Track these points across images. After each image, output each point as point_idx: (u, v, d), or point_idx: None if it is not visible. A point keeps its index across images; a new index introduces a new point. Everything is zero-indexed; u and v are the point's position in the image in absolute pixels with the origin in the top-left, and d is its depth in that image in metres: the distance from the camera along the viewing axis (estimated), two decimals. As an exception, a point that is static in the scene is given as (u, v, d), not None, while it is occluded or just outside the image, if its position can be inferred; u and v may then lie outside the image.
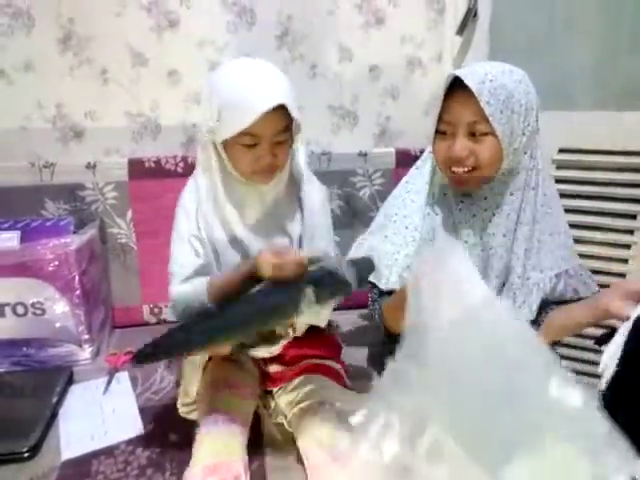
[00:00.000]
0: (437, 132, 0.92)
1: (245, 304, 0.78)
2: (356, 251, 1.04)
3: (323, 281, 0.76)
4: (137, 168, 1.28)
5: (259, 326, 0.84)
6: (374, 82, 1.47)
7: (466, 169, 0.90)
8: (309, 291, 0.76)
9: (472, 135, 0.88)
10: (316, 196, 1.01)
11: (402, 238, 0.99)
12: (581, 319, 0.92)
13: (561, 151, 1.34)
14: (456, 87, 0.87)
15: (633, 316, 0.75)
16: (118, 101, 1.36)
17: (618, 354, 0.75)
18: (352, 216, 1.41)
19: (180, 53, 1.35)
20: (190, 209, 0.96)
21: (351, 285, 0.78)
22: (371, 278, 0.98)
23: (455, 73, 0.87)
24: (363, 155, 1.39)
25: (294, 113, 0.86)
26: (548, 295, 0.96)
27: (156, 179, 1.29)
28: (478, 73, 0.86)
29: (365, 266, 0.85)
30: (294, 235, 1.00)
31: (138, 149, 1.38)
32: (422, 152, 1.36)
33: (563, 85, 1.34)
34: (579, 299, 0.96)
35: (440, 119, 0.91)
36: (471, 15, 1.39)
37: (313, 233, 1.00)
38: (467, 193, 0.96)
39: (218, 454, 0.80)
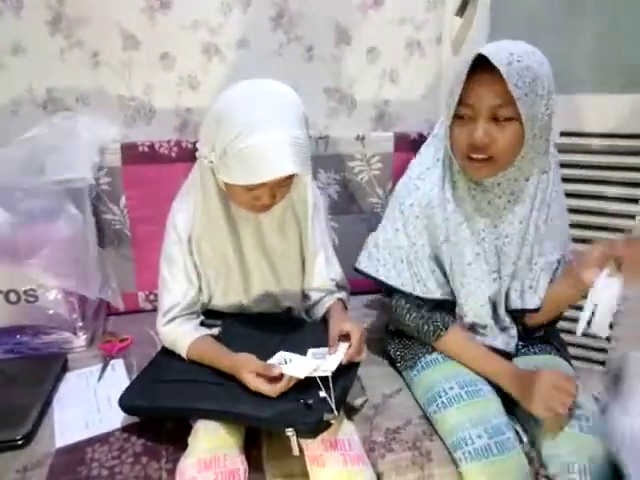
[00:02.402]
0: (455, 116, 0.87)
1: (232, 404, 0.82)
2: (368, 247, 1.02)
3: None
4: (130, 153, 1.26)
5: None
6: (372, 65, 1.44)
7: (484, 156, 0.86)
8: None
9: (494, 120, 0.84)
10: (316, 209, 1.00)
11: (413, 229, 0.96)
12: (569, 297, 0.96)
13: (562, 134, 1.32)
14: (479, 67, 0.81)
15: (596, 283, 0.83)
16: (110, 85, 1.33)
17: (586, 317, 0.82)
18: (350, 201, 1.39)
19: (173, 35, 1.32)
20: (183, 235, 0.95)
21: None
22: (396, 284, 0.98)
23: (481, 52, 0.81)
24: (361, 139, 1.36)
25: (303, 174, 0.83)
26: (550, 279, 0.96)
27: (150, 164, 1.26)
28: (503, 52, 0.81)
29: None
30: (291, 251, 1.00)
31: (131, 133, 1.35)
32: (422, 136, 1.36)
33: (564, 67, 1.31)
34: None
35: (460, 102, 0.84)
36: (471, -5, 1.36)
37: (313, 247, 1.00)
38: (480, 180, 0.93)
39: (214, 447, 0.80)
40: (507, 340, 0.99)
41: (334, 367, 0.83)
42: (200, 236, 0.95)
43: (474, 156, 0.86)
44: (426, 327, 0.97)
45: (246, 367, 0.84)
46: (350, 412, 0.93)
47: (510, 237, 0.95)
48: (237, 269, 0.97)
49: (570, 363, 1.03)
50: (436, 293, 0.97)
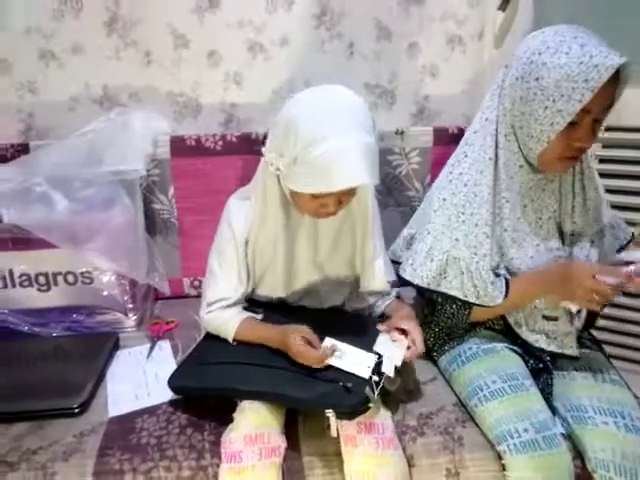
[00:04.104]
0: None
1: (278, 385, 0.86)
2: (425, 259, 0.96)
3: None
4: (178, 146, 1.32)
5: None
6: (413, 60, 1.46)
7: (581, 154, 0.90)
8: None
9: (595, 121, 0.85)
10: (375, 216, 1.02)
11: (474, 238, 0.93)
12: (540, 296, 0.94)
13: (608, 129, 1.30)
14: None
15: None
16: (160, 82, 1.40)
17: None
18: (388, 195, 1.41)
19: (220, 34, 1.37)
20: (239, 237, 0.96)
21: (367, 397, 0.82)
22: (457, 294, 0.95)
23: (622, 62, 0.79)
24: (400, 133, 1.38)
25: (374, 182, 0.82)
26: (599, 247, 0.98)
27: (196, 157, 1.32)
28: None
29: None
30: (343, 257, 1.01)
31: (180, 128, 1.42)
32: (461, 130, 1.37)
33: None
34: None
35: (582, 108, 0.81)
36: (514, -11, 1.35)
37: (372, 253, 1.01)
38: (541, 171, 0.94)
39: (260, 425, 0.84)
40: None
41: (393, 368, 0.87)
42: (256, 241, 0.96)
43: (574, 156, 0.89)
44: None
45: (296, 331, 0.88)
46: (384, 397, 0.95)
47: (565, 216, 0.97)
48: (285, 271, 0.99)
49: (610, 362, 1.02)
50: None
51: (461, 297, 0.94)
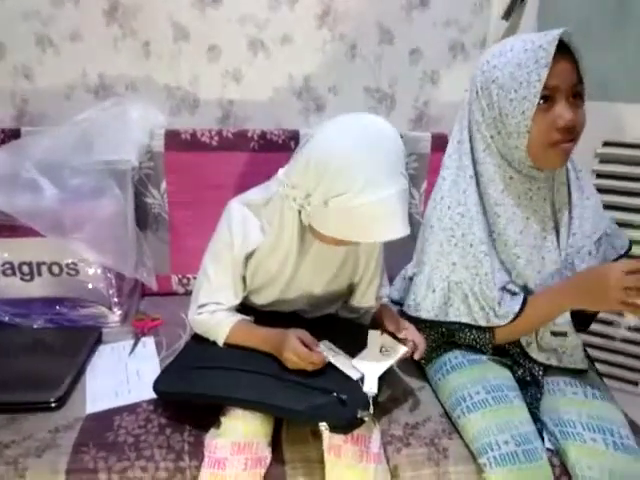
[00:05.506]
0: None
1: (269, 394, 0.83)
2: (426, 291, 0.94)
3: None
4: (173, 139, 1.30)
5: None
6: (414, 65, 1.45)
7: (571, 138, 0.85)
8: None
9: (572, 98, 0.85)
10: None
11: (472, 258, 0.91)
12: (569, 306, 0.89)
13: (605, 144, 1.29)
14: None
15: None
16: (158, 74, 1.39)
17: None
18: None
19: (221, 29, 1.36)
20: (238, 249, 0.91)
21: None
22: (467, 320, 0.92)
23: (561, 34, 0.81)
24: (398, 138, 1.37)
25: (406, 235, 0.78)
26: (597, 258, 0.95)
27: (191, 151, 1.30)
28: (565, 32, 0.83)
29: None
30: (344, 276, 0.99)
31: (176, 122, 1.40)
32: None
33: (613, 75, 1.28)
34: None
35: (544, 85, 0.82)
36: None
37: (372, 273, 0.99)
38: (536, 177, 0.91)
39: (250, 434, 0.82)
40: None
41: (381, 371, 0.85)
42: (264, 260, 0.93)
43: (563, 139, 0.85)
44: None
45: (295, 333, 0.86)
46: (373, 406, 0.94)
47: (563, 227, 0.94)
48: (284, 289, 0.96)
49: (601, 378, 1.00)
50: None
51: (471, 322, 0.92)
